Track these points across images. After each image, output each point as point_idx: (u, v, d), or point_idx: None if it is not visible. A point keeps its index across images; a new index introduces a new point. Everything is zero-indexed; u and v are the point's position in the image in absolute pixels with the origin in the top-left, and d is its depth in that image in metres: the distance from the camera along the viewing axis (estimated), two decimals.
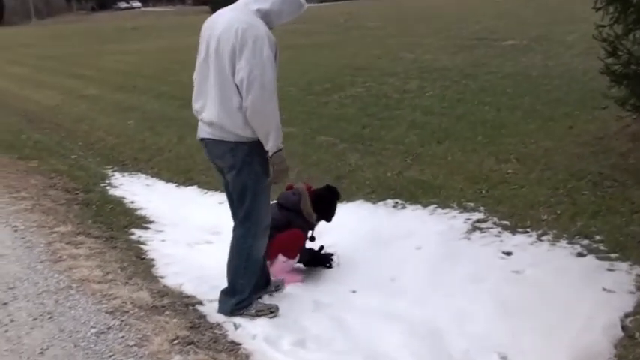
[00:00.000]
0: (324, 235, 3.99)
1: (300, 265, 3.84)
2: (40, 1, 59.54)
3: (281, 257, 3.63)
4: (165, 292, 3.31)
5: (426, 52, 10.95)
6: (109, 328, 2.76)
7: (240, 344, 2.83)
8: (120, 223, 4.67)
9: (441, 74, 8.84)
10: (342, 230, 4.12)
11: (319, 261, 3.87)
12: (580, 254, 3.50)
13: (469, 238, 3.94)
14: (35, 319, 2.84)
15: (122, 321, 2.82)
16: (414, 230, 4.14)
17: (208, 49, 2.92)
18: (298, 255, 3.73)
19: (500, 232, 3.93)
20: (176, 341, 2.68)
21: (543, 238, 3.77)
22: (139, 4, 66.02)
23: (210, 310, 3.16)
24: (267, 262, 3.48)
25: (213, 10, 3.32)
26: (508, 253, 3.68)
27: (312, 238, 3.83)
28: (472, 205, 4.37)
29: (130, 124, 8.84)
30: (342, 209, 4.10)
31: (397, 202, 4.63)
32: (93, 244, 3.95)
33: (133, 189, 5.88)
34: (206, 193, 5.66)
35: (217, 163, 3.13)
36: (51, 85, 13.54)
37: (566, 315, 2.97)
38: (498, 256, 3.67)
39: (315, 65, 11.10)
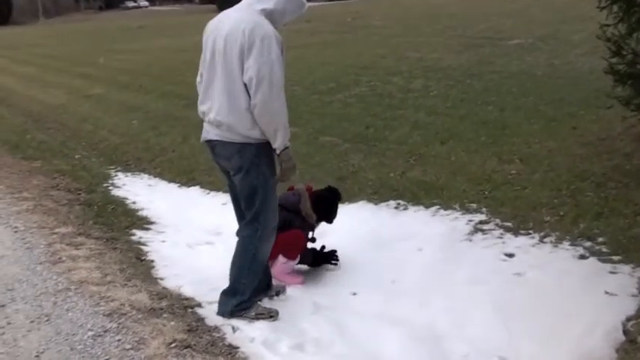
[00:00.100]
0: (325, 236, 3.98)
1: (301, 267, 3.81)
2: (48, 0, 59.73)
3: (281, 258, 3.62)
4: (164, 294, 3.29)
5: (431, 51, 10.88)
6: (105, 331, 2.75)
7: (237, 348, 2.81)
8: (121, 224, 4.67)
9: (445, 73, 8.78)
10: (344, 231, 4.10)
11: (324, 259, 3.84)
12: (582, 256, 3.47)
13: (471, 240, 3.92)
14: (32, 321, 2.84)
15: (119, 324, 2.81)
16: (416, 232, 4.12)
17: (215, 50, 2.91)
18: (299, 256, 3.70)
19: (502, 234, 3.91)
20: (173, 344, 2.67)
21: (546, 240, 3.74)
22: (146, 2, 65.86)
23: (209, 312, 3.14)
24: (269, 263, 3.46)
25: (220, 8, 3.32)
26: (510, 255, 3.66)
27: (313, 239, 3.81)
28: (475, 206, 4.35)
29: (134, 123, 8.84)
30: (344, 210, 4.07)
31: (399, 203, 4.61)
32: (93, 246, 3.95)
33: (136, 189, 5.87)
34: (209, 193, 5.64)
35: (224, 164, 3.11)
36: (57, 84, 13.57)
37: (567, 319, 2.94)
38: (500, 259, 3.65)
39: (320, 64, 11.06)
